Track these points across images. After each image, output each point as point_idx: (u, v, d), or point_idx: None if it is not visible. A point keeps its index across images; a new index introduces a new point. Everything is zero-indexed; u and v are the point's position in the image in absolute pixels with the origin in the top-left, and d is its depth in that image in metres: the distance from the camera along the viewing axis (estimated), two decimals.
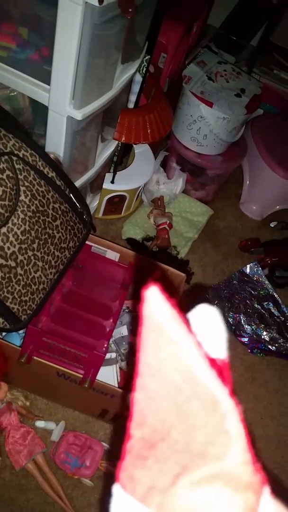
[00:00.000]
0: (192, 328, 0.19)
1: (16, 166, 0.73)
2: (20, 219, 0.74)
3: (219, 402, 0.17)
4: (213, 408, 0.17)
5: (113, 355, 0.97)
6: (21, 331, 0.90)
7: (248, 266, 1.25)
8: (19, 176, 0.74)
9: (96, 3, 0.67)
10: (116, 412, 0.92)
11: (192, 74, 1.35)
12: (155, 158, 1.39)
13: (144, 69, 1.22)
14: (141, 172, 1.32)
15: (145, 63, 1.20)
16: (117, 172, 1.27)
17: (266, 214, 1.64)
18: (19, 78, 0.84)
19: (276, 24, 1.80)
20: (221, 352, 0.19)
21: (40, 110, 0.90)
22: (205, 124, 1.34)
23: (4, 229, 0.72)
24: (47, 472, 0.90)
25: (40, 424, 0.95)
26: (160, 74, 1.42)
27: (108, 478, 0.94)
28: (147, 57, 1.19)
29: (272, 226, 1.63)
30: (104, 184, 1.25)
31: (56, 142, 0.90)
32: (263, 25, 1.77)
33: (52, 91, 0.82)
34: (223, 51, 1.61)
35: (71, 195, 0.87)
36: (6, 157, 0.71)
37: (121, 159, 1.37)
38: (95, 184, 1.24)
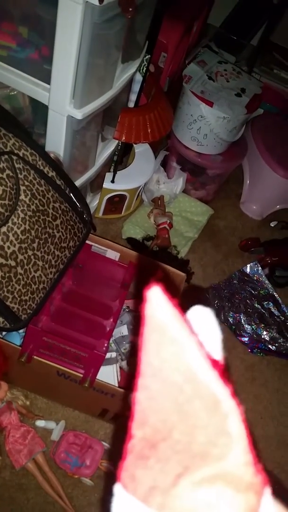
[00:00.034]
0: (193, 328, 0.19)
1: (16, 166, 0.73)
2: (20, 219, 0.74)
3: (220, 403, 0.17)
4: (214, 409, 0.17)
5: (113, 354, 0.97)
6: (21, 331, 0.90)
7: (248, 265, 1.25)
8: (19, 176, 0.74)
9: (97, 2, 0.67)
10: (116, 412, 0.92)
11: (193, 74, 1.35)
12: (155, 157, 1.39)
13: (145, 68, 1.22)
14: (141, 172, 1.32)
15: (145, 62, 1.20)
16: (117, 172, 1.27)
17: (266, 213, 1.64)
18: (19, 77, 0.84)
19: (276, 24, 1.80)
20: (216, 353, 0.19)
21: (40, 109, 0.90)
22: (205, 124, 1.34)
23: (4, 228, 0.72)
24: (47, 471, 0.91)
25: (40, 423, 0.95)
26: (161, 74, 1.42)
27: (109, 477, 0.94)
28: (147, 57, 1.19)
29: (272, 225, 1.63)
30: (104, 183, 1.25)
31: (56, 141, 0.90)
32: (263, 24, 1.77)
33: (52, 90, 0.82)
34: (224, 51, 1.61)
35: (71, 194, 0.87)
36: (6, 156, 0.71)
37: (121, 159, 1.37)
38: (95, 183, 1.24)
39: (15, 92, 0.93)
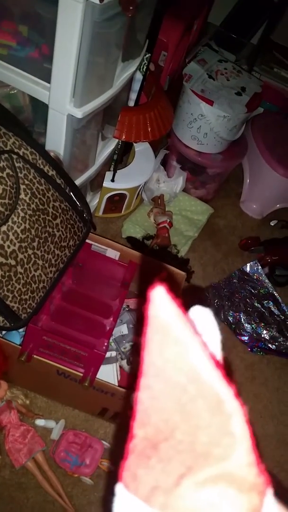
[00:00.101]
0: (196, 328, 0.19)
1: (16, 164, 0.73)
2: (20, 218, 0.74)
3: (224, 403, 0.17)
4: (218, 409, 0.17)
5: (113, 353, 0.97)
6: (21, 330, 0.89)
7: (248, 264, 1.25)
8: (19, 174, 0.74)
9: (97, 1, 0.67)
10: (116, 411, 0.92)
11: (193, 72, 1.35)
12: (156, 156, 1.39)
13: (145, 67, 1.22)
14: (141, 171, 1.32)
15: (145, 61, 1.20)
16: (117, 171, 1.27)
17: (266, 212, 1.64)
18: (19, 76, 0.84)
19: (277, 22, 1.80)
20: (216, 353, 0.19)
21: (40, 108, 0.90)
22: (205, 123, 1.33)
23: (4, 228, 0.71)
24: (47, 470, 0.91)
25: (40, 422, 0.95)
26: (161, 72, 1.42)
27: (109, 476, 0.94)
28: (147, 55, 1.19)
29: (272, 224, 1.63)
30: (104, 182, 1.24)
31: (56, 140, 0.90)
32: (263, 23, 1.77)
33: (53, 89, 0.82)
34: (224, 49, 1.61)
35: (71, 193, 0.87)
36: (6, 155, 0.71)
37: (121, 158, 1.37)
38: (95, 182, 1.24)
39: (15, 91, 0.92)
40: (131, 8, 0.74)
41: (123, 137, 1.18)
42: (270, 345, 1.24)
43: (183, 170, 1.48)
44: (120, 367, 0.99)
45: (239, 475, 0.16)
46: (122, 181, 1.27)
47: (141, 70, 1.22)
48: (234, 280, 1.26)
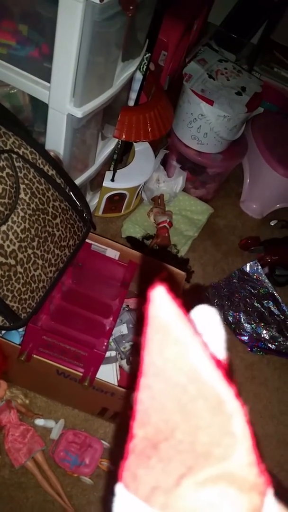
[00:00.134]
0: (197, 328, 0.19)
1: (16, 164, 0.73)
2: (20, 217, 0.74)
3: (224, 403, 0.17)
4: (218, 409, 0.17)
5: (113, 353, 0.97)
6: (20, 329, 0.89)
7: (248, 264, 1.25)
8: (19, 174, 0.74)
9: (97, 1, 0.67)
10: (115, 410, 0.92)
11: (193, 72, 1.34)
12: (155, 156, 1.38)
13: (145, 67, 1.22)
14: (141, 170, 1.32)
15: (145, 61, 1.20)
16: (117, 170, 1.27)
17: (266, 212, 1.64)
18: (19, 75, 0.84)
19: (277, 22, 1.80)
20: (220, 353, 0.19)
21: (40, 108, 0.90)
22: (205, 122, 1.33)
23: (4, 227, 0.71)
24: (46, 470, 0.91)
25: (39, 422, 0.95)
26: (161, 72, 1.42)
27: (109, 476, 0.94)
28: (147, 55, 1.19)
29: (272, 224, 1.63)
30: (104, 182, 1.24)
31: (56, 140, 0.90)
32: (263, 23, 1.77)
33: (52, 89, 0.81)
34: (224, 49, 1.61)
35: (71, 193, 0.87)
36: (6, 154, 0.71)
37: (121, 157, 1.37)
38: (95, 182, 1.24)
39: (15, 90, 0.92)
40: (131, 7, 0.74)
41: (123, 136, 1.18)
42: (270, 345, 1.24)
43: (183, 170, 1.48)
44: (120, 367, 0.99)
45: (239, 475, 0.16)
46: (122, 181, 1.27)
47: (141, 69, 1.22)
48: (234, 280, 1.26)
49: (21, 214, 0.74)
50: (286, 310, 1.24)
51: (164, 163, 1.50)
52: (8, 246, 0.72)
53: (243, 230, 1.58)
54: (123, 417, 0.93)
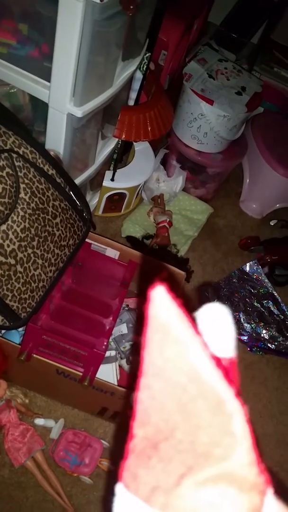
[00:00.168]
0: (199, 327, 0.18)
1: (16, 164, 0.73)
2: (19, 217, 0.74)
3: (224, 403, 0.17)
4: (218, 409, 0.17)
5: (113, 353, 0.97)
6: (20, 329, 0.89)
7: (247, 264, 1.25)
8: (19, 174, 0.74)
9: (97, 0, 0.67)
10: (115, 410, 0.92)
11: (193, 72, 1.34)
12: (155, 156, 1.38)
13: (145, 66, 1.22)
14: (141, 170, 1.32)
15: (145, 60, 1.20)
16: (117, 170, 1.27)
17: (266, 212, 1.64)
18: (19, 74, 0.84)
19: (277, 22, 1.80)
20: (228, 351, 0.19)
21: (40, 107, 0.89)
22: (205, 122, 1.33)
23: (3, 227, 0.71)
24: (46, 469, 0.91)
25: (39, 421, 0.95)
26: (161, 72, 1.42)
27: (108, 476, 0.94)
28: (147, 55, 1.19)
29: (272, 224, 1.63)
30: (104, 181, 1.24)
31: (56, 139, 0.90)
32: (263, 23, 1.77)
33: (52, 88, 0.81)
34: (224, 49, 1.61)
35: (71, 192, 0.87)
36: (6, 154, 0.71)
37: (121, 157, 1.37)
38: (95, 181, 1.23)
39: (15, 90, 0.92)
40: (131, 7, 0.74)
41: (123, 136, 1.18)
42: (269, 345, 1.24)
43: (183, 169, 1.48)
44: (120, 366, 0.99)
45: (239, 475, 0.16)
46: (122, 180, 1.27)
47: (141, 69, 1.21)
48: (234, 280, 1.26)
49: (21, 213, 0.74)
50: (285, 310, 1.24)
51: (164, 162, 1.50)
52: (8, 246, 0.72)
53: (243, 230, 1.58)
54: (123, 416, 0.93)
